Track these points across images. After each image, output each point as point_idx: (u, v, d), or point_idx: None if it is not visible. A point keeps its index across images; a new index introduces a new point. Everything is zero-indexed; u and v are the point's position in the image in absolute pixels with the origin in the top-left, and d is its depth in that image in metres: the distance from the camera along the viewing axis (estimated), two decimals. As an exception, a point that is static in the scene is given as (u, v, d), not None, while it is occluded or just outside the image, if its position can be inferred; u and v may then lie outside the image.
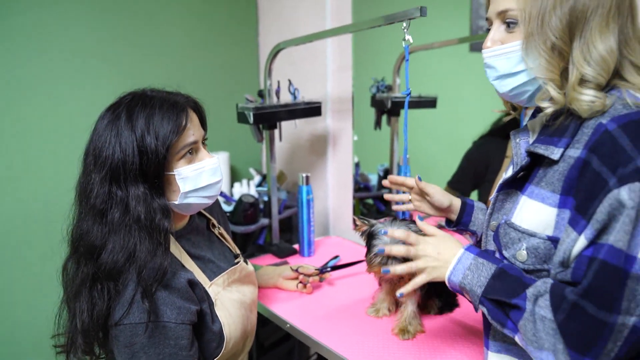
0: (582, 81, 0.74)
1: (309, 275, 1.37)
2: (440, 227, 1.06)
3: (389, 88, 1.91)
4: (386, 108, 1.83)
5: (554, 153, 0.77)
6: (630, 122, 0.69)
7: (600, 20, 0.74)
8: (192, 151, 0.94)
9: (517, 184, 0.86)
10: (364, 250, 1.15)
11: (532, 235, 0.79)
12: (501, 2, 0.80)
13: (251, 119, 1.49)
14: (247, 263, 1.17)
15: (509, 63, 0.81)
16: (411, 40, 1.14)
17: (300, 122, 1.80)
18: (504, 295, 0.77)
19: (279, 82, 1.66)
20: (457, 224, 1.10)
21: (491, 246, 0.90)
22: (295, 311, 1.28)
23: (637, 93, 0.74)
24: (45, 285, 1.62)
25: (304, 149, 2.01)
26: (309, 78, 1.91)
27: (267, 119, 1.54)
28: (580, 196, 0.71)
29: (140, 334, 0.85)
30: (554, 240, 0.76)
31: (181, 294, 0.91)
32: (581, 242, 0.69)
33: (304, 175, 1.62)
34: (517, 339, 0.77)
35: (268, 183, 1.71)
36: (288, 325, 1.24)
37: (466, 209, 1.09)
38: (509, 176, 0.87)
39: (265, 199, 1.82)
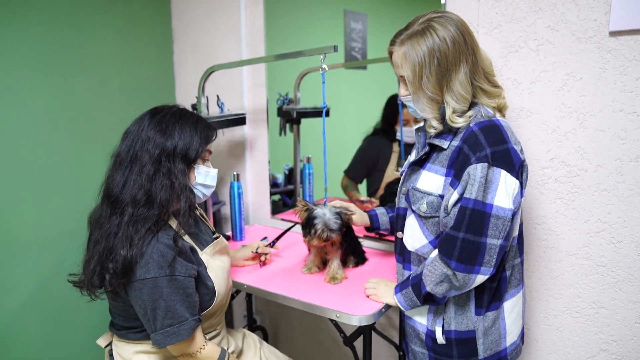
0: (454, 112, 1.16)
1: (266, 253, 1.74)
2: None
3: (291, 101, 2.34)
4: (292, 117, 2.26)
5: (444, 144, 1.20)
6: (485, 126, 1.14)
7: (456, 75, 1.14)
8: (207, 158, 1.32)
9: (420, 164, 1.28)
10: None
11: (430, 194, 1.21)
12: (398, 70, 1.22)
13: (195, 128, 1.80)
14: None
15: (413, 104, 1.23)
16: (327, 69, 1.59)
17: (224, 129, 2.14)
18: (424, 292, 1.22)
19: (207, 97, 1.99)
20: (372, 230, 1.57)
21: (403, 204, 1.34)
22: (249, 277, 1.64)
23: (489, 109, 1.19)
24: None
25: (223, 153, 2.34)
26: (227, 92, 2.26)
27: (207, 127, 1.86)
28: (457, 168, 1.14)
29: (159, 285, 1.16)
30: (442, 197, 1.20)
31: (186, 256, 1.23)
32: (455, 195, 1.15)
33: (235, 173, 1.97)
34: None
35: (202, 182, 2.01)
36: (245, 286, 1.59)
37: (374, 220, 1.56)
38: (416, 158, 1.28)
39: (199, 195, 2.12)
